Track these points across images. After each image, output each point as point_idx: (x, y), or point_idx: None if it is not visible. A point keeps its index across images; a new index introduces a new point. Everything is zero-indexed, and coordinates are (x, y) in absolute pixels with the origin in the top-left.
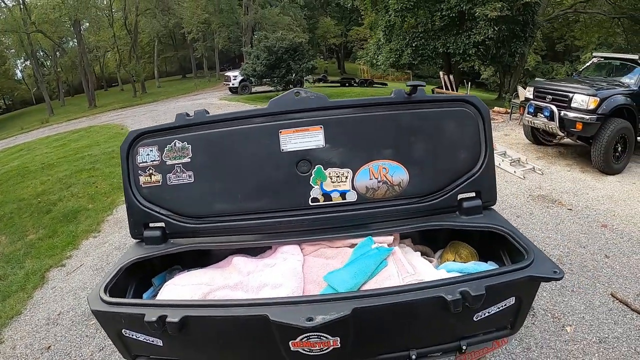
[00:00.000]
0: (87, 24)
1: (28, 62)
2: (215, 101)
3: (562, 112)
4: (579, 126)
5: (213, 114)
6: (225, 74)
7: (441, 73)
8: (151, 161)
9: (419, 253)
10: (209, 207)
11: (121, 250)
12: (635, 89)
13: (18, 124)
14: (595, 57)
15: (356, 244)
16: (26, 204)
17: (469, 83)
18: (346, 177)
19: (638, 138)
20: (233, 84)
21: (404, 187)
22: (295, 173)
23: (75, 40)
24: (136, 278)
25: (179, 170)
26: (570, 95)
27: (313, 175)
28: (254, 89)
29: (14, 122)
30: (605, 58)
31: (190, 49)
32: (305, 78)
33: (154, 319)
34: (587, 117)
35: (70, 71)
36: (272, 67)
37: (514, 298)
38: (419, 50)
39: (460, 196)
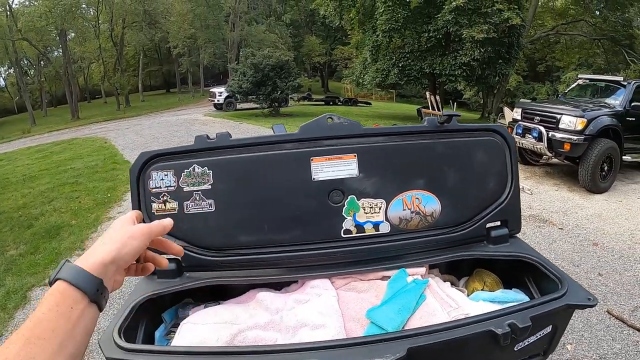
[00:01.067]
0: (73, 34)
1: (11, 70)
2: (200, 117)
3: (550, 133)
4: (567, 147)
5: (237, 138)
6: (211, 90)
7: (427, 93)
8: (166, 187)
9: (448, 283)
10: (232, 239)
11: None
12: (620, 109)
13: None
14: (580, 78)
15: (388, 276)
16: (6, 217)
17: (454, 103)
18: (380, 208)
19: (623, 157)
20: (218, 100)
21: (436, 218)
22: (327, 203)
23: (60, 50)
24: (147, 314)
25: (197, 197)
26: (558, 116)
27: (346, 205)
28: (239, 106)
29: None
30: (591, 80)
31: (175, 64)
32: (290, 96)
33: None
34: (575, 137)
35: (54, 81)
36: (258, 84)
37: (550, 326)
38: (405, 70)
39: (488, 225)
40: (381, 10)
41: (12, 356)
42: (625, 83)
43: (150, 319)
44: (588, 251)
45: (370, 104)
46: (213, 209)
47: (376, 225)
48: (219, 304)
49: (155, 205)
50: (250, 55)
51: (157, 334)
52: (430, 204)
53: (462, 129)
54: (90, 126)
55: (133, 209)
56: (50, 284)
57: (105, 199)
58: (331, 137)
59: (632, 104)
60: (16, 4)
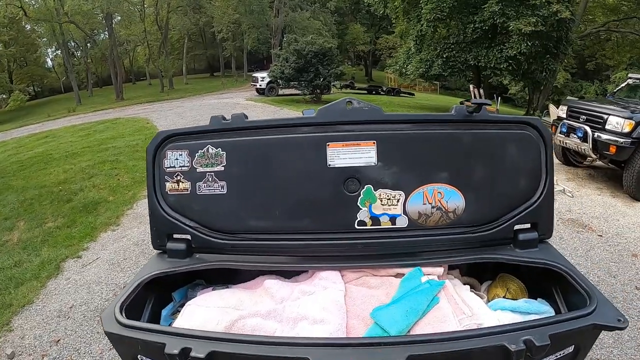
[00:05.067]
0: (119, 17)
1: (59, 52)
2: (241, 101)
3: (596, 134)
4: (613, 149)
5: (253, 120)
6: (253, 75)
7: (471, 86)
8: (180, 166)
9: (468, 287)
10: (242, 222)
11: (139, 246)
12: None
13: (45, 111)
14: (630, 78)
15: (402, 274)
16: (47, 191)
17: (498, 97)
18: (398, 200)
19: None
20: (260, 85)
21: (459, 215)
22: (342, 192)
23: (106, 32)
24: (155, 291)
25: (210, 179)
26: (605, 116)
27: (362, 195)
28: (280, 92)
29: (42, 109)
30: None
31: (219, 48)
32: (332, 83)
33: (176, 351)
34: (622, 140)
35: (99, 63)
36: (301, 70)
37: (573, 346)
38: (449, 61)
39: (516, 227)
40: None
41: None
42: None
43: (159, 296)
44: (627, 262)
45: (413, 94)
46: (225, 191)
47: (393, 219)
48: (228, 287)
49: (169, 185)
50: (293, 41)
51: (164, 312)
52: (453, 199)
53: (493, 120)
54: (133, 107)
55: (148, 187)
56: None
57: (143, 177)
58: (350, 122)
59: None
60: None
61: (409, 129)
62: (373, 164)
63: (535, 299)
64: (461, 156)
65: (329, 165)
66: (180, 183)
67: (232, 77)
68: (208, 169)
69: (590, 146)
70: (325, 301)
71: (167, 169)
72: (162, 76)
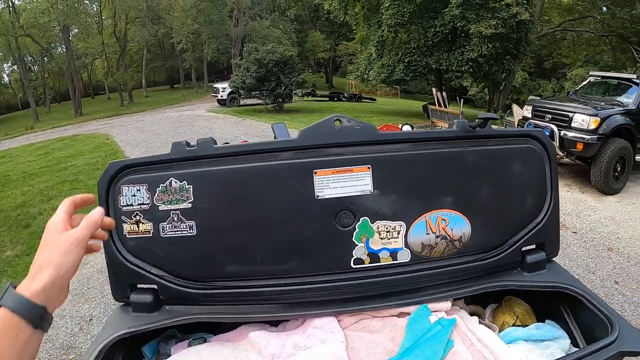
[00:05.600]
0: (76, 30)
1: (15, 67)
2: (203, 113)
3: (562, 132)
4: (580, 146)
5: (223, 145)
6: (214, 86)
7: (434, 89)
8: (138, 204)
9: (476, 318)
10: (217, 268)
11: (104, 273)
12: (633, 108)
13: (2, 130)
14: (592, 75)
15: (405, 312)
16: (4, 216)
17: (461, 100)
18: (398, 232)
19: (636, 157)
20: (221, 96)
21: (465, 243)
22: (335, 227)
23: (63, 46)
24: (122, 349)
25: (176, 218)
26: (571, 114)
27: (357, 229)
28: (242, 102)
29: None
30: (603, 77)
31: (179, 60)
32: (294, 92)
33: None
34: (588, 137)
35: (57, 77)
36: (262, 79)
37: None
38: (411, 66)
39: (523, 249)
40: (387, 5)
41: None
42: (638, 81)
43: (127, 354)
44: (603, 257)
45: (374, 100)
46: (194, 232)
47: (394, 253)
48: (205, 340)
49: (126, 226)
50: (253, 50)
51: None
52: (458, 226)
53: (497, 135)
54: (93, 122)
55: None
56: None
57: None
58: (339, 145)
59: None
60: (19, 0)
61: (408, 150)
62: (368, 193)
63: (544, 321)
64: (465, 177)
65: (317, 196)
66: (141, 224)
67: (193, 89)
68: (172, 207)
69: (557, 144)
70: (325, 358)
71: (124, 208)
72: (121, 89)
